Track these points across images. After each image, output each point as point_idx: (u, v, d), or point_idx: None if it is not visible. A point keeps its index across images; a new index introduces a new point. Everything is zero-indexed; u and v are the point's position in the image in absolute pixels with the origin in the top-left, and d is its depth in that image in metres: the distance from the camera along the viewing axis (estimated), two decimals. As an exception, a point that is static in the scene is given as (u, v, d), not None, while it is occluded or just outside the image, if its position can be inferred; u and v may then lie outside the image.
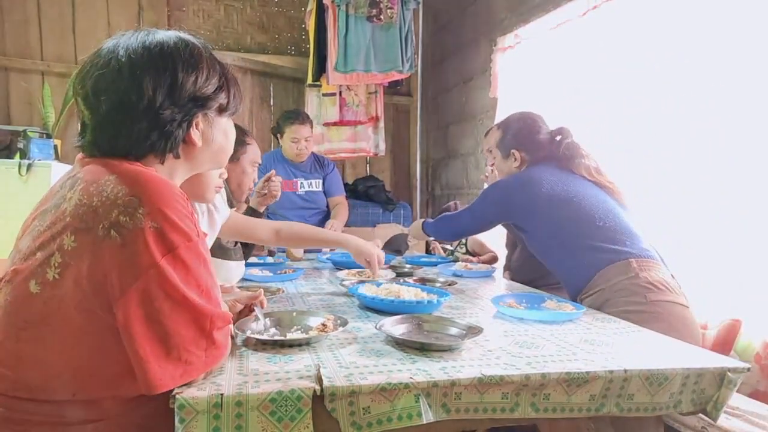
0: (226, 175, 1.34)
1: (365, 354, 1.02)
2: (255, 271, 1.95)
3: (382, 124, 3.99)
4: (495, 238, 2.64)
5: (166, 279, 0.78)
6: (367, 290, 1.47)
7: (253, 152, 1.87)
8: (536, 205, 1.72)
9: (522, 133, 1.91)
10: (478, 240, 2.69)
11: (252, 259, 2.24)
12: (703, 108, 1.84)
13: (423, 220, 2.21)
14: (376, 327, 1.14)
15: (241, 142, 1.77)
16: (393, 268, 2.06)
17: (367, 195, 4.01)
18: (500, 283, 2.05)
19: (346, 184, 3.73)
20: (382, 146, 4.02)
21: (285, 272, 1.98)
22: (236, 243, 1.84)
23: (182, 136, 0.92)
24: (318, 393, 0.83)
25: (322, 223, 3.00)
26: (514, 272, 2.20)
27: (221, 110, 0.99)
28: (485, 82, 3.42)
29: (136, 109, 0.86)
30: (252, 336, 1.08)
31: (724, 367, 1.05)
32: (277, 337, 1.07)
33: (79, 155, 0.94)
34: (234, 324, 1.06)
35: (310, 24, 3.71)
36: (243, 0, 4.26)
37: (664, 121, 2.00)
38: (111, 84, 0.86)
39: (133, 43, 0.89)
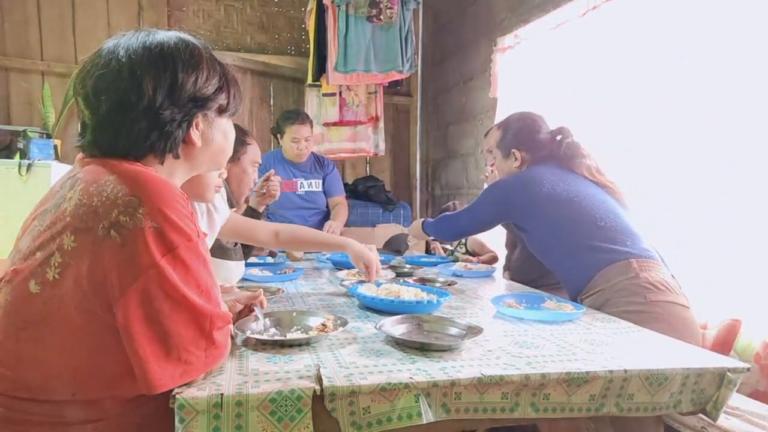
0: (225, 175, 1.35)
1: (365, 354, 1.02)
2: (255, 271, 1.95)
3: (382, 124, 3.99)
4: (495, 238, 2.64)
5: (166, 279, 0.78)
6: (367, 290, 1.47)
7: (254, 152, 1.87)
8: (537, 204, 1.72)
9: (522, 133, 1.91)
10: (477, 240, 2.69)
11: (252, 259, 2.24)
12: (703, 108, 1.84)
13: (423, 219, 2.21)
14: (376, 327, 1.14)
15: (241, 142, 1.77)
16: (393, 268, 2.06)
17: (367, 195, 4.01)
18: (500, 283, 2.05)
19: (346, 184, 3.73)
20: (382, 146, 4.02)
21: (285, 272, 1.98)
22: (236, 243, 1.84)
23: (182, 136, 0.92)
24: (318, 393, 0.83)
25: (322, 223, 3.00)
26: (514, 272, 2.20)
27: (221, 111, 0.99)
28: (485, 82, 3.42)
29: (136, 109, 0.86)
30: (252, 336, 1.08)
31: (723, 367, 1.05)
32: (277, 337, 1.07)
33: (79, 155, 0.94)
34: (234, 324, 1.06)
35: (310, 24, 3.71)
36: (243, 0, 4.26)
37: (664, 121, 2.00)
38: (111, 84, 0.86)
39: (134, 43, 0.89)
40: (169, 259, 0.79)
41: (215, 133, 0.99)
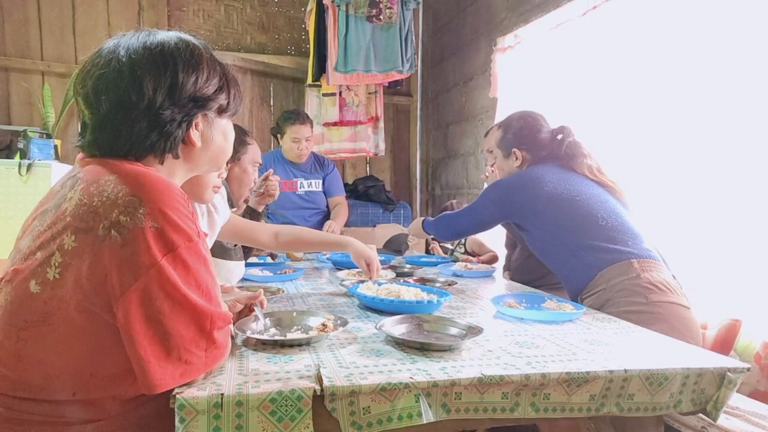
0: (225, 176, 1.34)
1: (365, 354, 1.02)
2: (255, 271, 1.95)
3: (382, 124, 3.99)
4: (495, 238, 2.64)
5: (167, 279, 0.78)
6: (367, 290, 1.47)
7: (254, 152, 1.87)
8: (538, 203, 1.71)
9: (523, 132, 1.90)
10: (476, 240, 2.69)
11: (252, 259, 2.24)
12: (703, 108, 1.84)
13: (423, 218, 2.21)
14: (376, 327, 1.14)
15: (241, 141, 1.77)
16: (393, 268, 2.06)
17: (367, 195, 4.01)
18: (500, 283, 2.05)
19: (346, 184, 3.73)
20: (382, 146, 4.02)
21: (285, 272, 1.98)
22: (236, 243, 1.84)
23: (182, 136, 0.92)
24: (318, 393, 0.83)
25: (322, 223, 3.00)
26: (514, 272, 2.20)
27: (221, 111, 0.99)
28: (485, 82, 3.42)
29: (137, 108, 0.86)
30: (252, 336, 1.08)
31: (724, 367, 1.05)
32: (277, 337, 1.07)
33: (80, 155, 0.94)
34: (234, 324, 1.06)
35: (310, 24, 3.71)
36: (243, 0, 4.26)
37: (664, 121, 2.00)
38: (111, 84, 0.86)
39: (134, 43, 0.89)
40: (169, 259, 0.79)
41: (215, 133, 0.99)
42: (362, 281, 1.65)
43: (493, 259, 2.58)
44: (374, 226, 3.87)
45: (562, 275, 1.76)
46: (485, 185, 2.10)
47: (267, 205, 2.23)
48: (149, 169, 0.89)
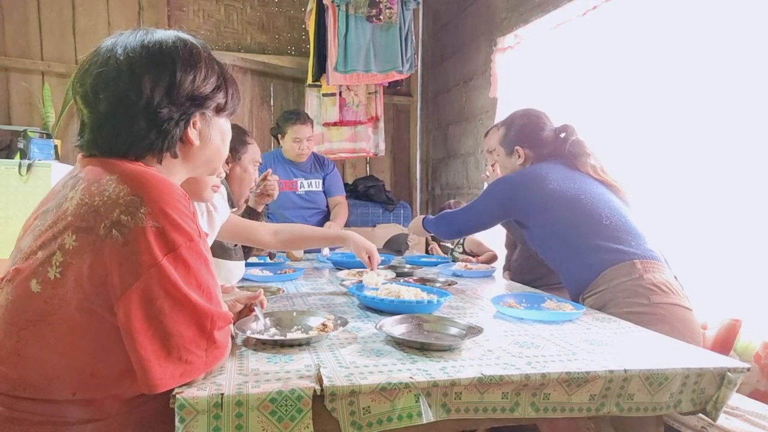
0: (224, 174, 1.35)
1: (365, 354, 1.02)
2: (255, 271, 1.95)
3: (381, 124, 3.99)
4: (494, 238, 2.64)
5: (167, 278, 0.78)
6: (368, 285, 1.47)
7: (254, 151, 1.87)
8: (541, 201, 1.69)
9: (526, 130, 1.89)
10: (475, 240, 2.69)
11: (252, 259, 2.24)
12: (704, 108, 1.84)
13: (423, 216, 2.19)
14: (376, 327, 1.14)
15: (242, 141, 1.77)
16: (393, 268, 2.06)
17: (367, 195, 4.01)
18: (500, 283, 2.05)
19: (346, 184, 3.73)
20: (382, 146, 4.02)
21: (285, 272, 1.98)
22: (236, 243, 1.84)
23: (179, 134, 0.92)
24: (318, 393, 0.83)
25: (322, 223, 3.00)
26: (514, 272, 2.20)
27: (219, 110, 0.99)
28: (485, 82, 3.42)
29: (135, 107, 0.87)
30: (252, 336, 1.08)
31: (723, 367, 1.05)
32: (277, 337, 1.07)
33: (80, 155, 0.94)
34: (234, 324, 1.06)
35: (310, 24, 3.71)
36: (243, 0, 4.26)
37: (664, 121, 2.00)
38: (110, 83, 0.86)
39: (132, 42, 0.89)
40: (170, 258, 0.79)
41: (213, 132, 0.99)
42: (361, 282, 1.64)
43: (492, 258, 2.58)
44: (374, 226, 3.87)
45: (563, 274, 1.75)
46: (485, 185, 2.09)
47: (267, 205, 2.23)
48: (150, 168, 0.89)
